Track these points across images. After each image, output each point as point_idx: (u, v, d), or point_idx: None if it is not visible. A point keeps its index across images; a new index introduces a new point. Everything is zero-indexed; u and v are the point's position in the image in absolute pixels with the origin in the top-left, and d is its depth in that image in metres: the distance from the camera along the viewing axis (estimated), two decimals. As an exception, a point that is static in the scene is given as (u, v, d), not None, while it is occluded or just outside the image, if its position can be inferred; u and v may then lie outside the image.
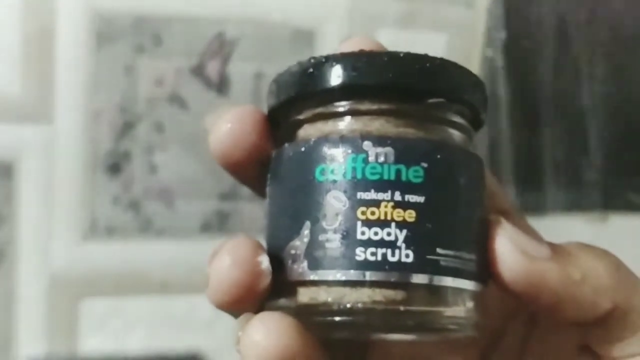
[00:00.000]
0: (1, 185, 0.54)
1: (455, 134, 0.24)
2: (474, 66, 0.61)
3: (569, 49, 0.63)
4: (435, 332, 0.24)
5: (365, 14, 0.59)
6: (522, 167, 0.62)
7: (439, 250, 0.22)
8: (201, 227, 0.57)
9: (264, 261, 0.22)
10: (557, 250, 0.23)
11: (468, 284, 0.23)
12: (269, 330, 0.21)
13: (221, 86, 0.57)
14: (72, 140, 0.55)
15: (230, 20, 0.57)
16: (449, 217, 0.22)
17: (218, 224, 0.57)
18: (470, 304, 0.23)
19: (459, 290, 0.22)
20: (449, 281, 0.22)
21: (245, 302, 0.22)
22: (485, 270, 0.23)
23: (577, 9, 0.63)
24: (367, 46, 0.24)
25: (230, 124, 0.25)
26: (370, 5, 0.59)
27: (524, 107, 0.62)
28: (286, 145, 0.24)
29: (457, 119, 0.24)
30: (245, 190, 0.57)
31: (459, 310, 0.23)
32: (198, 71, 0.57)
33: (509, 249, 0.23)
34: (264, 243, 0.24)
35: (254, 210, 0.56)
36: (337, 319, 0.22)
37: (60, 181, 0.55)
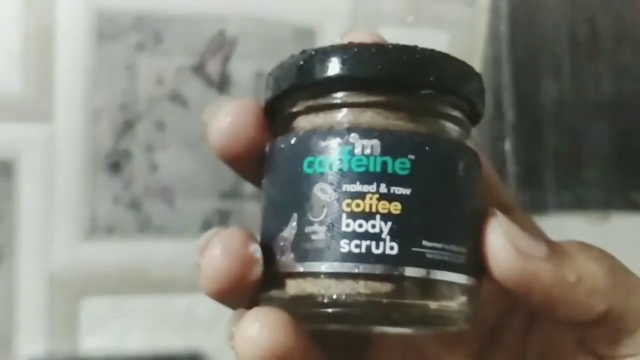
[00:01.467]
0: (1, 184, 0.54)
1: (449, 126, 0.24)
2: (476, 64, 0.60)
3: (571, 48, 0.63)
4: (424, 325, 0.24)
5: (367, 12, 0.59)
6: (524, 166, 0.62)
7: (425, 242, 0.22)
8: (202, 226, 0.57)
9: (256, 251, 0.22)
10: (554, 249, 0.23)
11: (458, 277, 0.22)
12: (262, 325, 0.21)
13: (222, 85, 0.57)
14: (72, 139, 0.55)
15: (231, 19, 0.57)
16: (436, 210, 0.22)
17: (219, 222, 0.57)
18: (461, 298, 0.23)
19: (447, 283, 0.22)
20: (436, 274, 0.22)
21: (237, 292, 0.22)
22: (478, 264, 0.23)
23: (578, 8, 0.63)
24: (368, 40, 0.24)
25: (230, 118, 0.25)
26: (372, 3, 0.59)
27: (526, 106, 0.62)
28: (278, 138, 0.24)
29: (450, 111, 0.24)
30: (246, 189, 0.57)
31: (449, 304, 0.22)
32: (199, 70, 0.57)
33: (503, 245, 0.22)
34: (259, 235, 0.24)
35: (254, 209, 0.56)
36: (322, 310, 0.22)
37: (61, 180, 0.54)
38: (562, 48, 0.63)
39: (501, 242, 0.23)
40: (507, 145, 0.61)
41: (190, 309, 0.56)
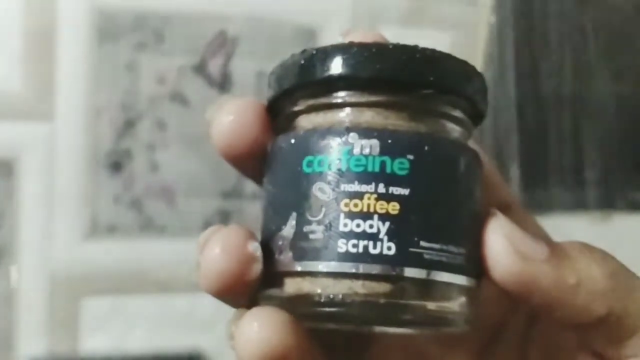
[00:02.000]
0: (2, 183, 0.54)
1: (449, 126, 0.24)
2: (478, 64, 0.60)
3: (572, 49, 0.63)
4: (423, 325, 0.24)
5: (369, 11, 0.59)
6: (527, 167, 0.61)
7: (423, 243, 0.22)
8: (203, 225, 0.57)
9: (256, 249, 0.22)
10: (554, 250, 0.23)
11: (456, 278, 0.22)
12: (261, 325, 0.21)
13: (223, 84, 0.57)
14: (73, 138, 0.55)
15: (232, 18, 0.57)
16: (435, 210, 0.22)
17: (220, 222, 0.57)
18: (461, 299, 0.23)
19: (446, 284, 0.22)
20: (434, 275, 0.22)
21: (237, 290, 0.22)
22: (478, 265, 0.23)
23: (579, 9, 0.63)
24: (368, 39, 0.24)
25: (232, 116, 0.25)
26: (374, 2, 0.59)
27: (529, 107, 0.62)
28: (279, 137, 0.24)
29: (451, 110, 0.24)
30: (248, 189, 0.57)
31: (447, 305, 0.22)
32: (200, 69, 0.57)
33: (503, 246, 0.22)
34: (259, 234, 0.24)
35: (256, 209, 0.56)
36: (320, 310, 0.22)
37: (61, 179, 0.54)
38: (564, 49, 0.63)
39: (501, 243, 0.22)
40: (511, 146, 0.61)
41: (190, 309, 0.56)
